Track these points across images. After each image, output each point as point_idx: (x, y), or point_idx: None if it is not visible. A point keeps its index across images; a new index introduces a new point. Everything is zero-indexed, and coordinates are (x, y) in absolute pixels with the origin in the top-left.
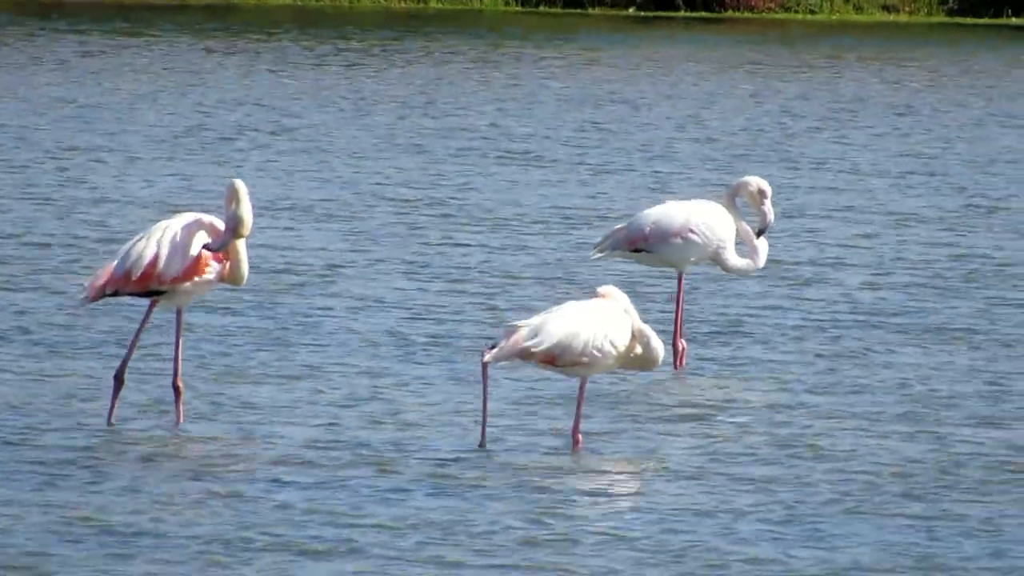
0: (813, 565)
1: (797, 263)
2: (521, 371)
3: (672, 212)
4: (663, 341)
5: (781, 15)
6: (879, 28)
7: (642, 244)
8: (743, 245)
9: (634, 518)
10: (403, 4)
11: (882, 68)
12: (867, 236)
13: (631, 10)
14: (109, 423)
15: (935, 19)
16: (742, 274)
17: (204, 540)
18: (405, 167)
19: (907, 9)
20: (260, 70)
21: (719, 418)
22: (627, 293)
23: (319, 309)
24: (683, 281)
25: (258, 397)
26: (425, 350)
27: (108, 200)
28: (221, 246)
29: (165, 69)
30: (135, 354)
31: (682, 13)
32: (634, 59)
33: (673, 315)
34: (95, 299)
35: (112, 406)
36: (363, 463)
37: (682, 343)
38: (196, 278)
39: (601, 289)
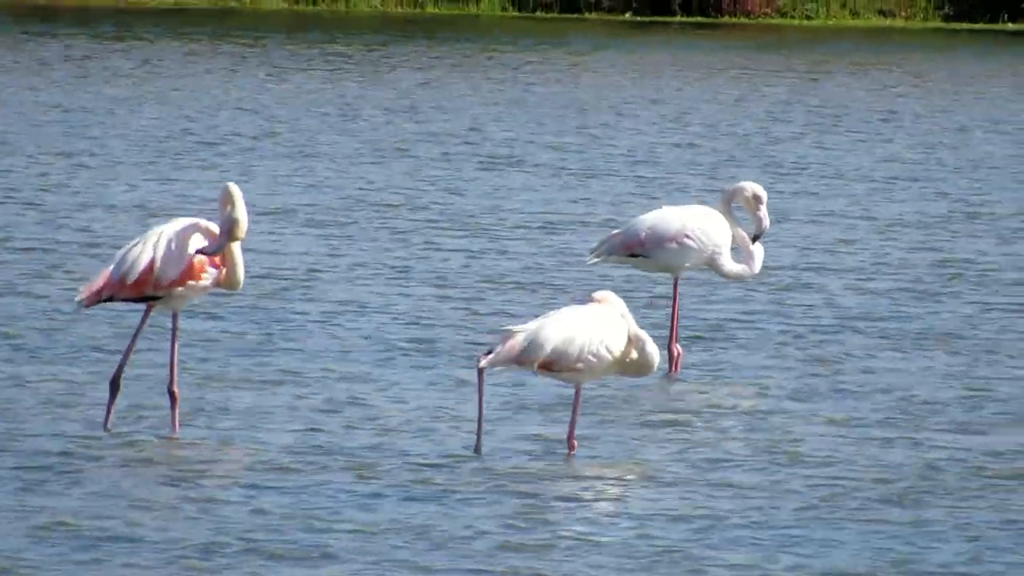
0: (791, 570)
1: (780, 268)
2: (515, 376)
3: (668, 217)
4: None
5: (777, 21)
6: (874, 33)
7: (638, 249)
8: (739, 251)
9: (616, 523)
10: (400, 9)
11: (872, 73)
12: (850, 241)
13: (627, 15)
14: (105, 428)
15: (931, 24)
16: (738, 279)
17: (180, 545)
18: (390, 172)
19: (903, 14)
20: (248, 74)
21: (702, 424)
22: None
23: (301, 314)
24: (678, 287)
25: (239, 402)
26: (407, 355)
27: (91, 205)
28: (217, 249)
29: (151, 73)
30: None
31: (678, 18)
32: (624, 64)
33: (668, 320)
34: (90, 304)
35: (108, 412)
36: (343, 468)
37: (677, 348)
38: (192, 283)
39: (597, 294)
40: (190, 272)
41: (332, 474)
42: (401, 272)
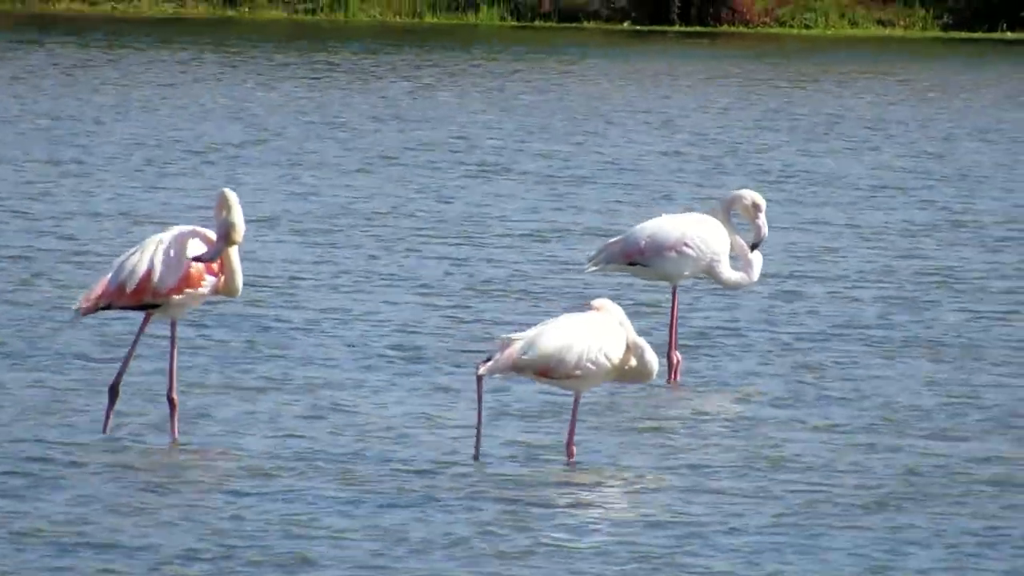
0: None
1: (766, 275)
2: (511, 383)
3: (667, 226)
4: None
5: (776, 30)
6: (872, 43)
7: (637, 258)
8: (737, 259)
9: (600, 529)
10: (398, 19)
11: (864, 82)
12: (835, 249)
13: (626, 24)
14: (104, 432)
15: (930, 33)
16: (736, 287)
17: (159, 552)
18: (378, 180)
19: (902, 24)
20: (238, 83)
21: (688, 431)
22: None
23: (287, 321)
24: (677, 295)
25: (222, 409)
26: (393, 362)
27: (77, 213)
28: (214, 255)
29: (141, 82)
30: (112, 366)
31: (677, 28)
32: (618, 73)
33: (667, 327)
34: (88, 313)
35: (107, 417)
36: (327, 475)
37: (677, 356)
38: (191, 290)
39: (595, 302)
40: (188, 280)
41: (316, 481)
42: (387, 280)
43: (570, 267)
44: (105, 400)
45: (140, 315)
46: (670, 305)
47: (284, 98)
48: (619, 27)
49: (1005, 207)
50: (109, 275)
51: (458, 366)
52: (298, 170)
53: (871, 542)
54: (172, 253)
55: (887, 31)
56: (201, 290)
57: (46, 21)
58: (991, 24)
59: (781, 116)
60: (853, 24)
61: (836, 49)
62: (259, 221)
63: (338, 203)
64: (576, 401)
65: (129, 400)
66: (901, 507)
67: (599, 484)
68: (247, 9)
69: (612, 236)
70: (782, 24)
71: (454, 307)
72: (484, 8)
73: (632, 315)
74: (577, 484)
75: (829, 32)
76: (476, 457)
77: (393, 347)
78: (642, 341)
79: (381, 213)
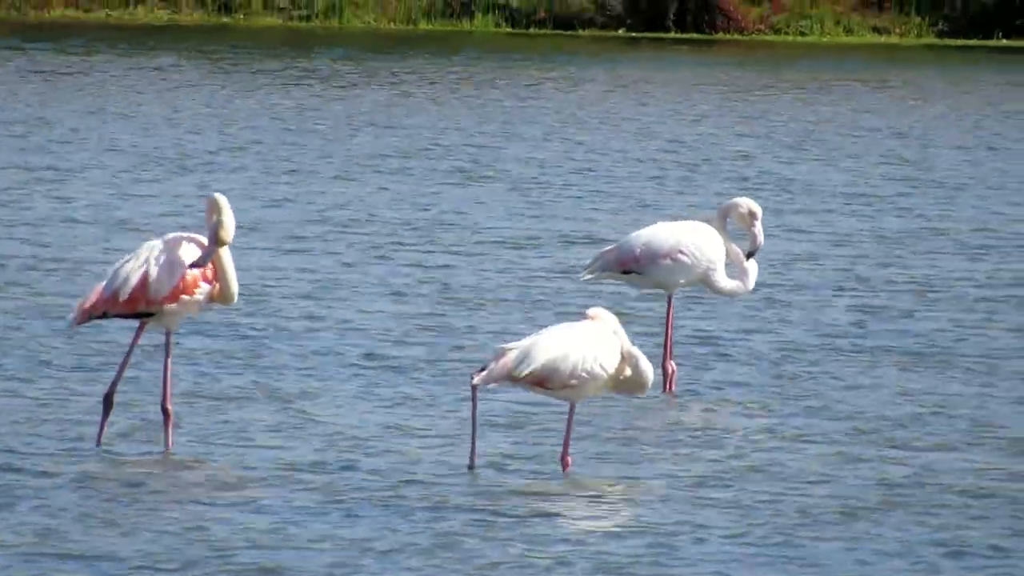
0: None
1: (770, 284)
2: (508, 393)
3: (662, 234)
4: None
5: (771, 37)
6: (867, 50)
7: (632, 266)
8: (732, 267)
9: (585, 539)
10: (393, 25)
11: (851, 90)
12: (813, 257)
13: (621, 31)
14: (98, 444)
15: (925, 40)
16: (732, 296)
17: (126, 562)
18: (355, 187)
19: (898, 31)
20: (236, 91)
21: (674, 441)
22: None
23: (265, 330)
24: (672, 303)
25: (224, 420)
26: (368, 372)
27: (72, 221)
28: (205, 259)
29: (120, 90)
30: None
31: (672, 35)
32: (607, 80)
33: (663, 338)
34: (83, 321)
35: (101, 428)
36: (308, 485)
37: (672, 366)
38: (185, 298)
39: (590, 311)
40: (183, 287)
41: (297, 491)
42: (388, 289)
43: (551, 275)
44: (99, 410)
45: (128, 324)
46: (665, 314)
47: (262, 105)
48: (614, 34)
49: (985, 216)
50: (103, 283)
51: (436, 375)
52: (275, 177)
53: (858, 552)
54: (166, 260)
55: (882, 38)
56: (196, 297)
57: (38, 28)
58: (986, 32)
59: (761, 123)
60: (848, 31)
61: (830, 56)
62: (242, 228)
63: (319, 211)
64: (571, 411)
65: (123, 409)
66: (886, 518)
67: (593, 495)
68: (242, 16)
69: (587, 243)
70: (777, 31)
71: (438, 315)
72: (479, 15)
73: (625, 324)
74: (571, 495)
75: (824, 39)
76: (471, 467)
77: (368, 356)
78: (637, 351)
79: (364, 221)
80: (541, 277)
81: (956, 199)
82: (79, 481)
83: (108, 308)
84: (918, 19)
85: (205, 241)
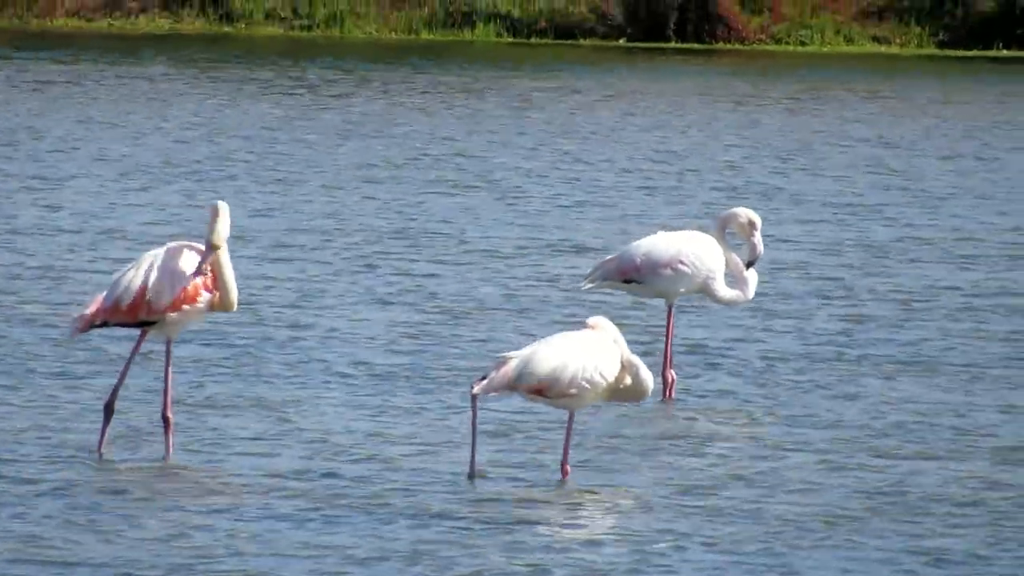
0: None
1: (756, 294)
2: (508, 402)
3: (662, 243)
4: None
5: (772, 46)
6: (867, 60)
7: (633, 275)
8: (732, 276)
9: (581, 550)
10: (394, 35)
11: (849, 100)
12: (808, 266)
13: (621, 41)
14: (99, 452)
15: (925, 51)
16: (731, 305)
17: (122, 566)
18: (372, 197)
19: (898, 41)
20: (227, 100)
21: (677, 449)
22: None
23: (270, 340)
24: (672, 313)
25: (209, 427)
26: (395, 380)
27: (59, 230)
28: (202, 264)
29: (128, 100)
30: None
31: (672, 44)
32: (606, 90)
33: (663, 346)
34: (84, 330)
35: (102, 436)
36: (314, 495)
37: (672, 374)
38: (187, 307)
39: (590, 320)
40: (185, 296)
41: (281, 498)
42: (384, 298)
43: (538, 284)
44: (84, 417)
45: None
46: (665, 323)
47: (248, 115)
48: (615, 44)
49: (970, 225)
50: (104, 292)
51: (423, 384)
52: (263, 186)
53: (861, 561)
54: (167, 269)
55: (882, 48)
56: (197, 306)
57: (38, 37)
58: (986, 42)
59: (752, 133)
60: (849, 41)
61: (829, 66)
62: (244, 238)
63: (322, 220)
64: (570, 420)
65: (123, 417)
66: (889, 526)
67: (592, 503)
68: (243, 25)
69: (573, 253)
70: (778, 41)
71: (417, 324)
72: (480, 25)
73: (625, 333)
74: (571, 503)
75: (825, 49)
76: (471, 477)
77: (354, 364)
78: (636, 359)
79: (377, 231)
80: (528, 286)
81: (942, 208)
82: (62, 488)
83: (109, 317)
84: (918, 29)
85: (203, 247)
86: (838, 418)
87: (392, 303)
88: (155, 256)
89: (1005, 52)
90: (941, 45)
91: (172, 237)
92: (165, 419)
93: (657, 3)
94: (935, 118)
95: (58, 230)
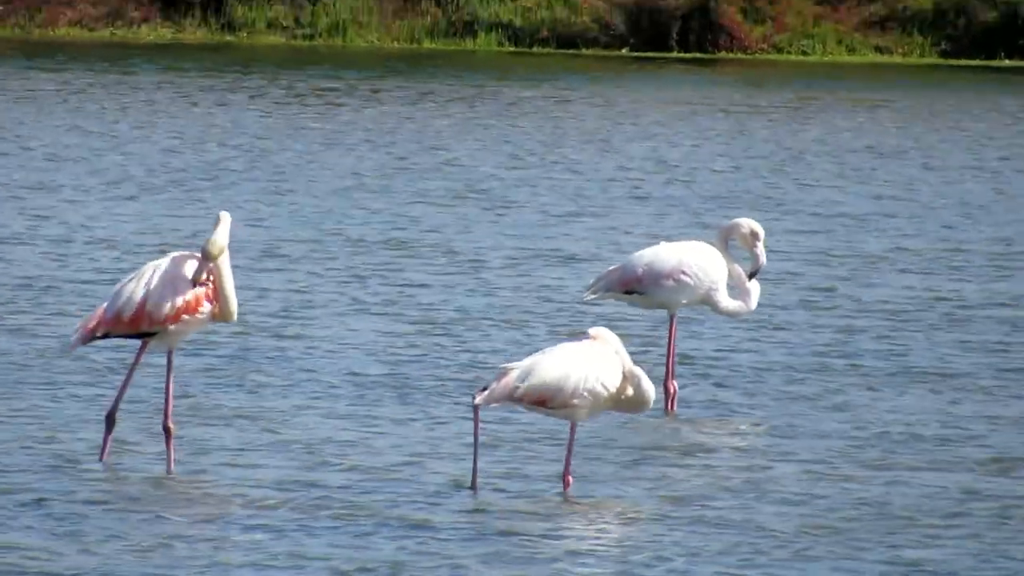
0: None
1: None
2: (509, 413)
3: (665, 254)
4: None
5: (774, 56)
6: (870, 69)
7: (635, 286)
8: (735, 287)
9: (590, 560)
10: (397, 44)
11: (845, 109)
12: (825, 277)
13: (624, 51)
14: (101, 460)
15: (927, 60)
16: (734, 316)
17: None
18: (369, 207)
19: (900, 51)
20: (225, 109)
21: (679, 461)
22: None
23: (273, 349)
24: (675, 323)
25: (215, 437)
26: (385, 391)
27: (66, 240)
28: (199, 273)
29: (118, 110)
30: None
31: (675, 54)
32: (608, 99)
33: (665, 357)
34: (86, 341)
35: (104, 446)
36: (316, 506)
37: (674, 385)
38: (188, 317)
39: (592, 331)
40: (186, 307)
41: (309, 512)
42: (381, 308)
43: (529, 294)
44: (67, 427)
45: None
46: (667, 334)
47: (281, 125)
48: (617, 53)
49: (994, 235)
50: (105, 304)
51: (414, 394)
52: (253, 196)
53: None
54: (168, 279)
55: (885, 58)
56: (199, 317)
57: (42, 47)
58: (989, 52)
59: (770, 144)
60: (851, 51)
61: (828, 76)
62: (247, 248)
63: (325, 230)
64: (572, 431)
65: (124, 427)
66: (890, 539)
67: (593, 515)
68: (245, 35)
69: (563, 263)
70: (780, 51)
71: (407, 335)
72: (482, 34)
73: (627, 344)
74: (571, 515)
75: (827, 59)
76: (473, 487)
77: (345, 374)
78: (638, 370)
79: (375, 241)
80: (517, 297)
81: (930, 219)
82: (45, 498)
83: (111, 328)
84: (921, 39)
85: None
86: (825, 429)
87: (380, 313)
88: (156, 266)
89: (1007, 62)
90: (943, 55)
91: (161, 247)
92: (166, 429)
93: (659, 13)
94: (935, 128)
95: (47, 239)
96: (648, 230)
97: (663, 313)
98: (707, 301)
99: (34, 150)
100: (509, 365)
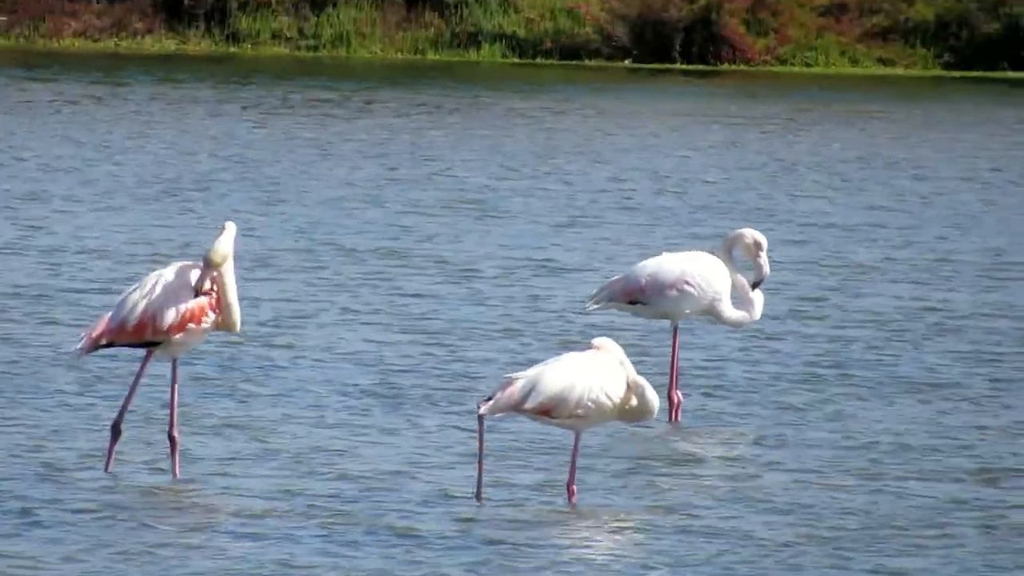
0: None
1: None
2: (496, 422)
3: (668, 264)
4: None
5: (777, 68)
6: (872, 81)
7: (638, 296)
8: (739, 297)
9: (577, 571)
10: (400, 55)
11: (843, 121)
12: (818, 288)
13: (627, 62)
14: (107, 470)
15: (930, 72)
16: (738, 326)
17: None
18: (361, 217)
19: (904, 63)
20: (226, 120)
21: (674, 471)
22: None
23: (270, 360)
24: (678, 333)
25: (204, 446)
26: (376, 400)
27: (58, 249)
28: (201, 281)
29: (122, 120)
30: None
31: (678, 66)
32: (609, 111)
33: (668, 367)
34: (90, 351)
35: (109, 456)
36: (312, 516)
37: (678, 395)
38: (192, 327)
39: (596, 341)
40: (190, 316)
41: (300, 522)
42: (376, 318)
43: (522, 304)
44: (59, 436)
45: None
46: (671, 344)
47: (279, 136)
48: (620, 65)
49: (986, 246)
50: (109, 313)
51: (409, 403)
52: (249, 205)
53: None
54: (172, 289)
55: (887, 70)
56: (203, 326)
57: (45, 57)
58: (991, 63)
59: (743, 153)
60: (854, 63)
61: (833, 87)
62: (244, 257)
63: (322, 240)
64: (576, 441)
65: (103, 435)
66: (882, 548)
67: (581, 524)
68: (249, 46)
69: (556, 273)
70: (783, 62)
71: (402, 344)
72: (485, 46)
73: (631, 354)
74: (558, 524)
75: (830, 71)
76: (478, 497)
77: (340, 384)
78: (642, 380)
79: (370, 251)
80: (511, 307)
81: (920, 230)
82: (32, 507)
83: (115, 338)
84: (923, 50)
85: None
86: (814, 438)
87: (371, 323)
88: (160, 275)
89: (1010, 73)
90: (946, 66)
91: (153, 257)
92: (171, 438)
93: (663, 24)
94: (929, 139)
95: (42, 249)
96: (639, 240)
97: (658, 323)
98: (711, 311)
99: (27, 160)
100: (513, 375)
